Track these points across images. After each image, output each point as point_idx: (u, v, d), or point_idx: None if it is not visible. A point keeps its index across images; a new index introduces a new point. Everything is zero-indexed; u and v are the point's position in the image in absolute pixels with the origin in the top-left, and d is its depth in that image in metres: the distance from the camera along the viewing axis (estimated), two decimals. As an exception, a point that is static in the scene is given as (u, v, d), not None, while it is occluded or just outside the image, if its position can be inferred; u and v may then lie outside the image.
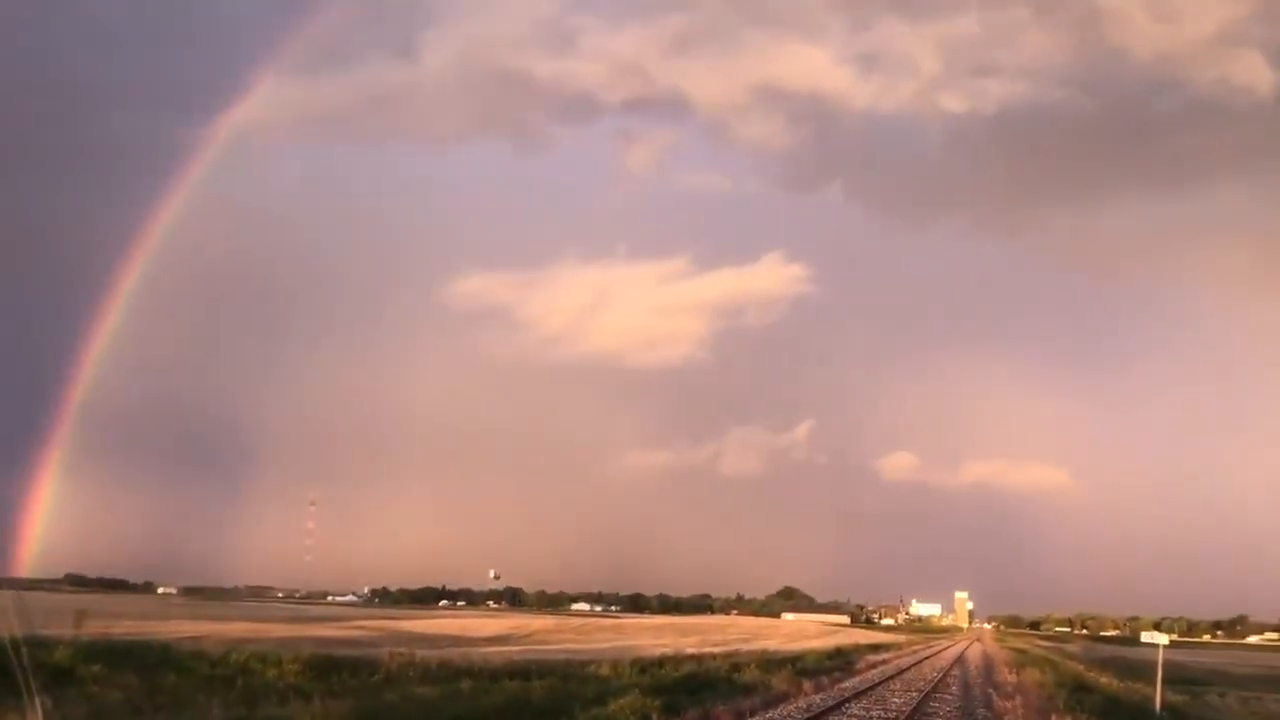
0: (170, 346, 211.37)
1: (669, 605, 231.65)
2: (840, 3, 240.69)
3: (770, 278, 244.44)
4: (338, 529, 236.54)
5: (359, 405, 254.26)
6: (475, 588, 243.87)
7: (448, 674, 30.02)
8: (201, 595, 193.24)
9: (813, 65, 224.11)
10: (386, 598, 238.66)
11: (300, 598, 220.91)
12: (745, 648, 60.93)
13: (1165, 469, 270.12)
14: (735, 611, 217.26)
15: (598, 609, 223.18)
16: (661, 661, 39.52)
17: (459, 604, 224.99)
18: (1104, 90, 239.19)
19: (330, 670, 28.71)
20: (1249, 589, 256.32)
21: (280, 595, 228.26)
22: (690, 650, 52.86)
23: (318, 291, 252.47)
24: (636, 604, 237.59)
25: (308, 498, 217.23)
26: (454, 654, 40.21)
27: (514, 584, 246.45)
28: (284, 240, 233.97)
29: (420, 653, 36.80)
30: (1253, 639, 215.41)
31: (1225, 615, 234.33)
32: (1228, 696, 47.52)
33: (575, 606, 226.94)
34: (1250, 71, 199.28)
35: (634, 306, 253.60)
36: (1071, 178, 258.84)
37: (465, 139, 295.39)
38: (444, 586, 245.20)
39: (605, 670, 33.87)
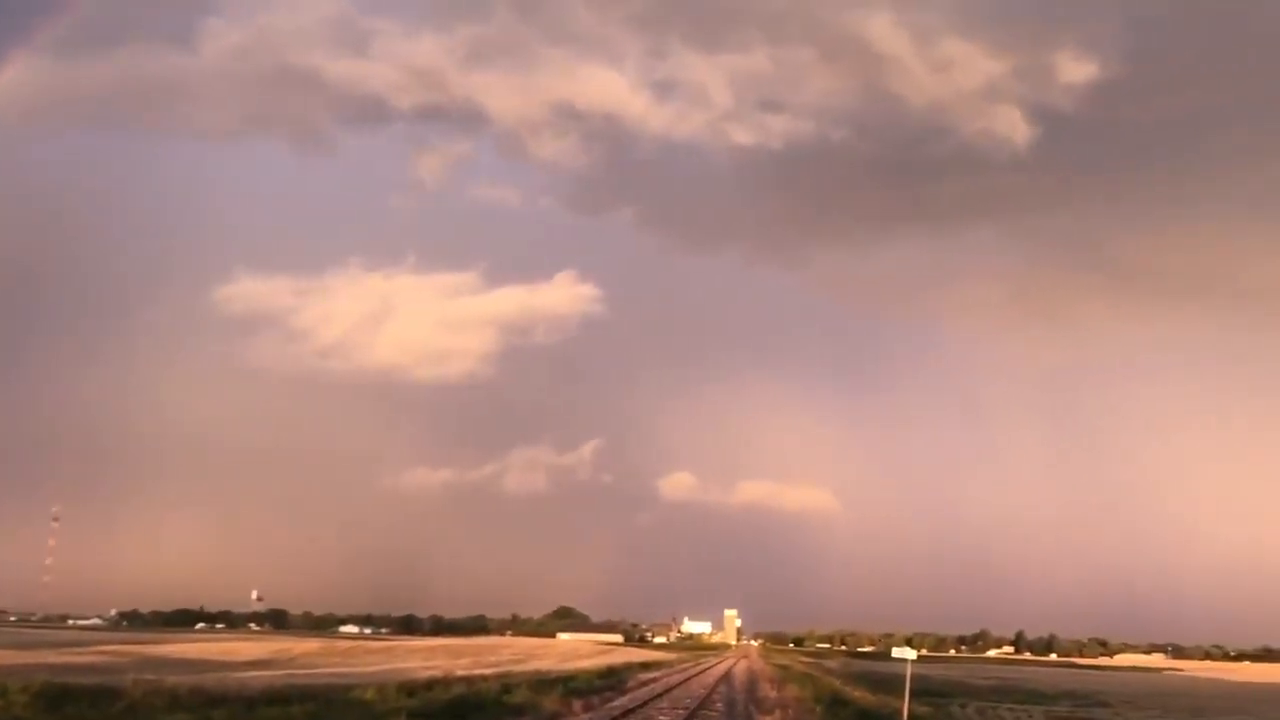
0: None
1: (442, 627, 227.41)
2: (638, 29, 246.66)
3: (561, 296, 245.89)
4: (83, 546, 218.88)
5: (111, 413, 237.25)
6: (236, 610, 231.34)
7: (200, 701, 28.25)
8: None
9: (609, 88, 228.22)
10: (137, 620, 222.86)
11: (36, 621, 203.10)
12: (518, 668, 60.50)
13: (920, 493, 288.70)
14: (510, 632, 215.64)
15: (368, 631, 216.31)
16: (430, 684, 38.63)
17: (218, 627, 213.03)
18: (881, 133, 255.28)
19: (65, 700, 26.49)
20: (989, 607, 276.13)
21: (13, 619, 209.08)
22: (461, 672, 51.97)
23: (69, 291, 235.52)
24: (409, 626, 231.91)
25: (49, 512, 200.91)
26: (208, 680, 38.00)
27: (279, 606, 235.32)
28: (32, 233, 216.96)
29: (170, 679, 34.55)
30: (992, 653, 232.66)
31: (968, 631, 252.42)
32: (968, 707, 50.87)
33: (344, 629, 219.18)
34: (1010, 125, 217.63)
35: (419, 319, 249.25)
36: (848, 214, 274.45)
37: (244, 135, 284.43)
38: (201, 608, 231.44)
39: (370, 694, 32.80)
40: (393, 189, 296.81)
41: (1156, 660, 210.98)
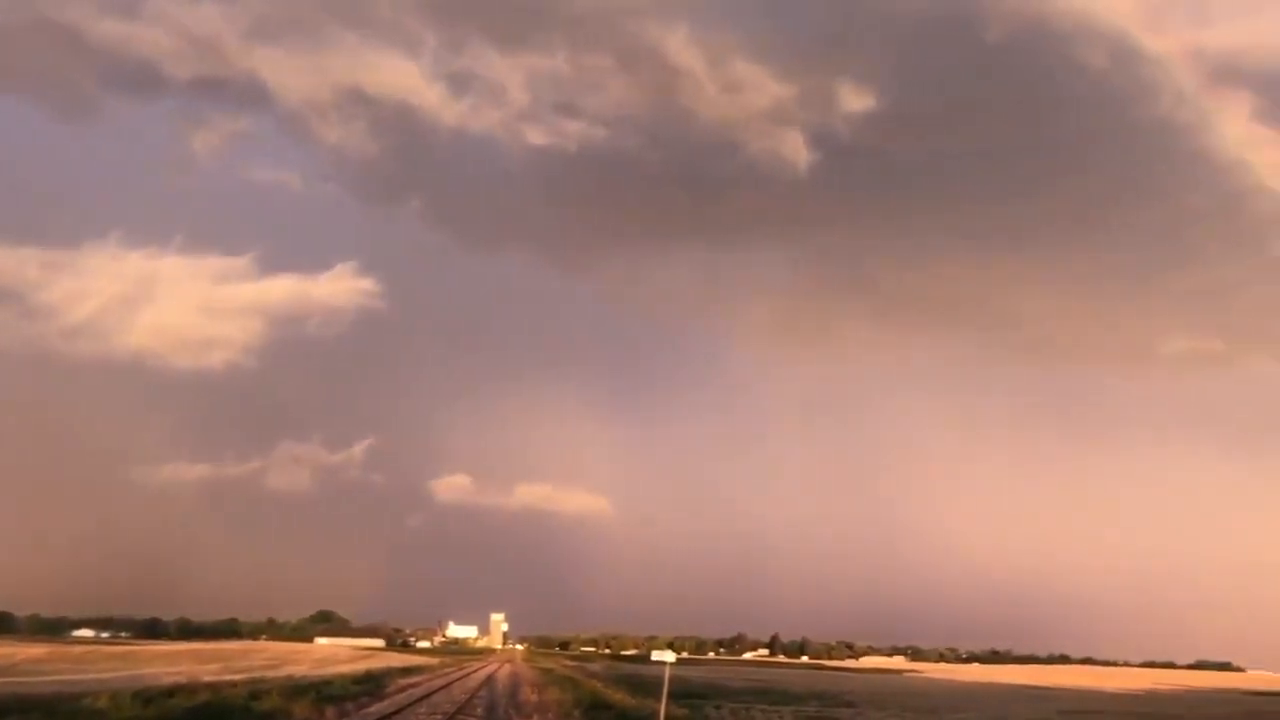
0: None
1: (190, 630, 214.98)
2: (434, 19, 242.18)
3: (338, 288, 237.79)
4: None
5: None
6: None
7: (-103, 714, 25.48)
8: None
9: (403, 76, 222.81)
10: None
11: None
12: (270, 674, 57.90)
13: (690, 501, 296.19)
14: (265, 637, 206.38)
15: (105, 635, 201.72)
16: (172, 691, 36.33)
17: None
18: (671, 145, 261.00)
19: None
20: (747, 611, 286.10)
21: None
22: (208, 679, 49.23)
23: None
24: (153, 629, 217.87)
25: None
26: (-90, 690, 34.36)
27: (2, 608, 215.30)
28: None
29: None
30: (749, 655, 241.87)
31: (727, 634, 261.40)
32: (723, 708, 52.31)
33: (78, 633, 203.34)
34: (793, 148, 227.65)
35: (182, 303, 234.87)
36: (635, 224, 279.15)
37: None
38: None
39: (103, 703, 30.46)
40: (163, 163, 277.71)
41: (898, 662, 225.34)
